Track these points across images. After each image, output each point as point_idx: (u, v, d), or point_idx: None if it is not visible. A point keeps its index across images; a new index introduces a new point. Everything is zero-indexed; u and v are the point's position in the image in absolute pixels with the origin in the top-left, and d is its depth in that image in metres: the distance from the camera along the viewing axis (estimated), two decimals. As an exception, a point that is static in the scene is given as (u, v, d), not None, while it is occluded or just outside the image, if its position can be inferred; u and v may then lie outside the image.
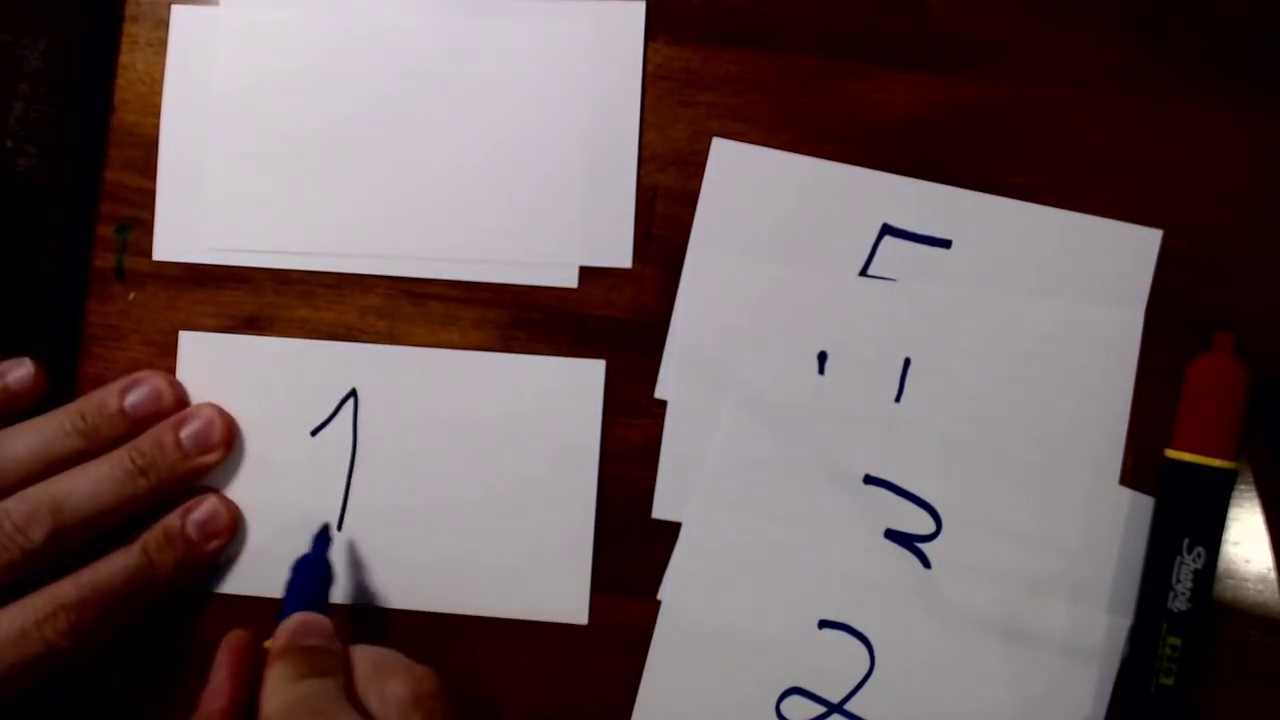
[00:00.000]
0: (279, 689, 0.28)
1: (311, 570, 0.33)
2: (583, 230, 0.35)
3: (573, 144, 0.35)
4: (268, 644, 0.30)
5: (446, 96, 0.35)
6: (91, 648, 0.32)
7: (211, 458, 0.34)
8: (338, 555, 0.35)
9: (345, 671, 0.29)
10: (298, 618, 0.30)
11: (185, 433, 0.34)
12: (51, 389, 0.35)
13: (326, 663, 0.29)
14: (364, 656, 0.30)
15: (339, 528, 0.35)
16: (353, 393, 0.35)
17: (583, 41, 0.35)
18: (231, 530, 0.35)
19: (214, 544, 0.34)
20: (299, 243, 0.35)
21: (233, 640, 0.32)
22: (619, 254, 0.35)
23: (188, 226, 0.36)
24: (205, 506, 0.34)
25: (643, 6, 0.35)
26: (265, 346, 0.35)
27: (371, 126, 0.35)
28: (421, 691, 0.29)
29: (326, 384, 0.35)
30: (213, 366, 0.35)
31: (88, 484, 0.33)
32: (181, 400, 0.35)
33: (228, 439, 0.35)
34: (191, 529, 0.34)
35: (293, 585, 0.32)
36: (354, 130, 0.35)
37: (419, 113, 0.35)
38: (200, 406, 0.35)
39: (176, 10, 0.36)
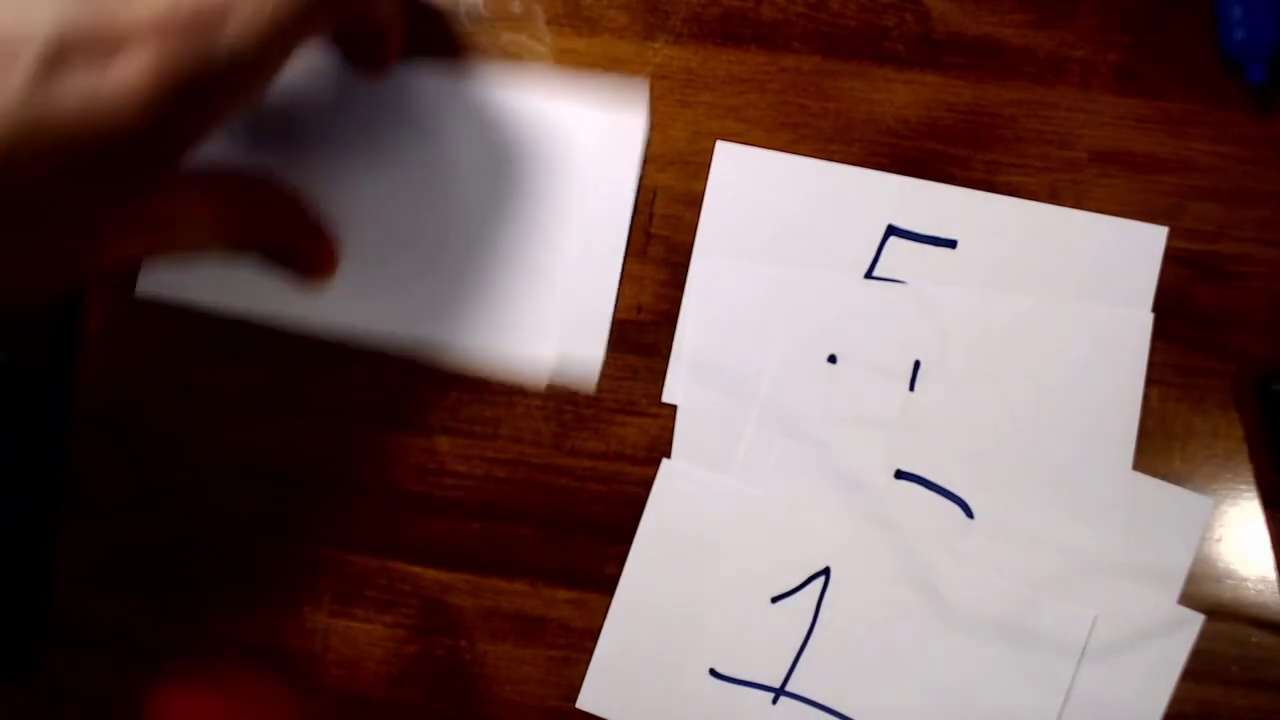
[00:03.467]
0: None
1: None
2: (557, 334, 0.35)
3: (559, 247, 0.35)
4: None
5: (431, 182, 0.35)
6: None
7: None
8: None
9: None
10: None
11: None
12: (49, 390, 0.35)
13: None
14: None
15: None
16: None
17: (579, 148, 0.35)
18: None
19: None
20: (267, 301, 0.35)
21: None
22: (587, 369, 0.35)
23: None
24: None
25: (643, 120, 0.35)
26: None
27: (355, 200, 0.35)
28: None
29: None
30: None
31: None
32: None
33: None
34: None
35: None
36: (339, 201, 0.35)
37: (401, 193, 0.35)
38: None
39: None
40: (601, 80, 0.35)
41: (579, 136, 0.35)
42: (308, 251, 0.33)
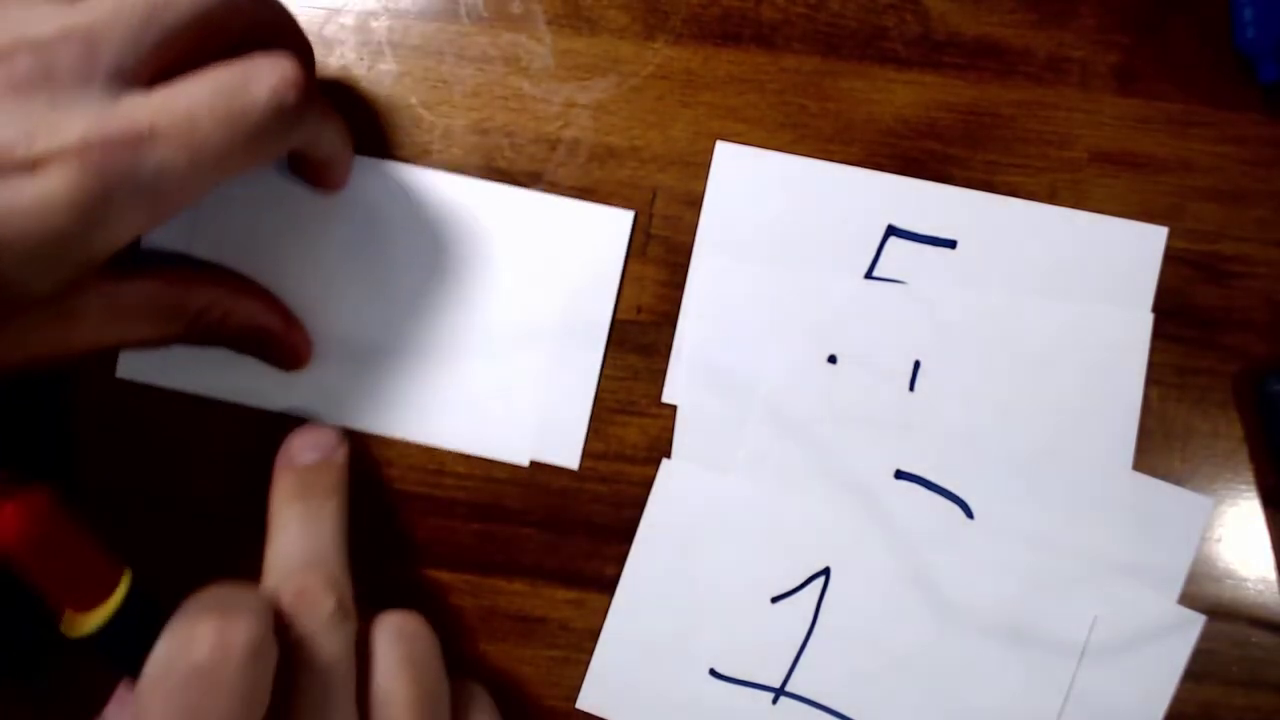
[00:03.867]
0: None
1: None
2: (536, 427, 0.35)
3: (541, 336, 0.35)
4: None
5: (407, 275, 0.35)
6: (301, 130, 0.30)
7: None
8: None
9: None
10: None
11: None
12: (48, 389, 0.35)
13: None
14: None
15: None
16: None
17: (565, 243, 0.35)
18: None
19: None
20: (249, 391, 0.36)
21: None
22: (569, 455, 0.35)
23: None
24: None
25: (631, 215, 0.35)
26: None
27: (328, 295, 0.35)
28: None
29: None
30: None
31: None
32: None
33: None
34: None
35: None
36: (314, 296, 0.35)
37: (376, 288, 0.35)
38: None
39: None
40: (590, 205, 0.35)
41: (565, 225, 0.35)
42: (276, 341, 0.34)
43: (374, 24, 0.36)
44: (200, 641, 0.26)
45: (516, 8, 0.35)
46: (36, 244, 0.25)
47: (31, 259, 0.26)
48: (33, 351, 0.29)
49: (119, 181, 0.26)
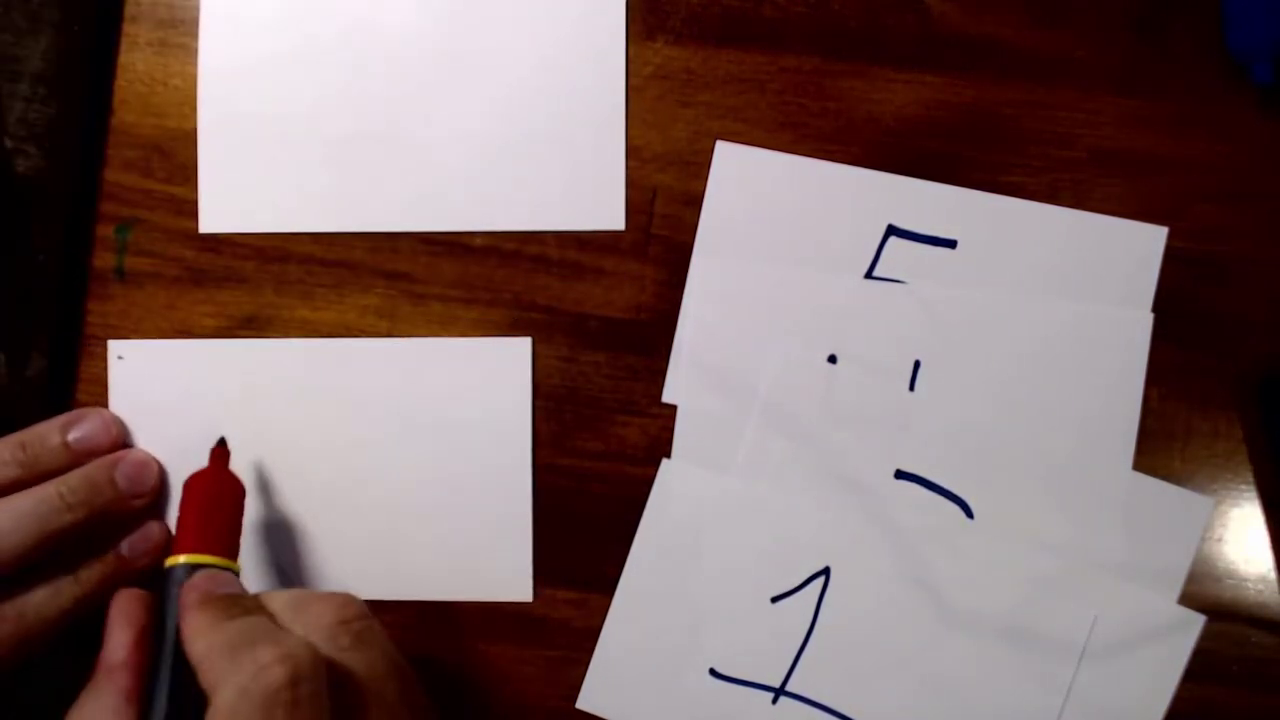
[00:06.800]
0: (207, 631, 0.28)
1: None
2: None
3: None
4: (170, 561, 0.31)
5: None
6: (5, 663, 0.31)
7: (141, 501, 0.34)
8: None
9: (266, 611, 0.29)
10: (205, 573, 0.30)
11: (119, 472, 0.34)
12: (51, 388, 0.35)
13: (249, 603, 0.29)
14: (277, 598, 0.30)
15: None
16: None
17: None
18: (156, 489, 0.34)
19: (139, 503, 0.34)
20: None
21: (126, 597, 0.32)
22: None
23: (230, 200, 0.36)
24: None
25: (528, 342, 0.35)
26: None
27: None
28: (347, 615, 0.29)
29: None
30: None
31: (9, 516, 0.31)
32: (121, 440, 0.35)
33: (159, 483, 0.35)
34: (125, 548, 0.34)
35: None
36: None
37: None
38: (135, 450, 0.35)
39: None
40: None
41: (473, 363, 0.35)
42: None
43: (374, 24, 0.36)
44: None
45: (517, 8, 0.35)
46: None
47: None
48: None
49: None
